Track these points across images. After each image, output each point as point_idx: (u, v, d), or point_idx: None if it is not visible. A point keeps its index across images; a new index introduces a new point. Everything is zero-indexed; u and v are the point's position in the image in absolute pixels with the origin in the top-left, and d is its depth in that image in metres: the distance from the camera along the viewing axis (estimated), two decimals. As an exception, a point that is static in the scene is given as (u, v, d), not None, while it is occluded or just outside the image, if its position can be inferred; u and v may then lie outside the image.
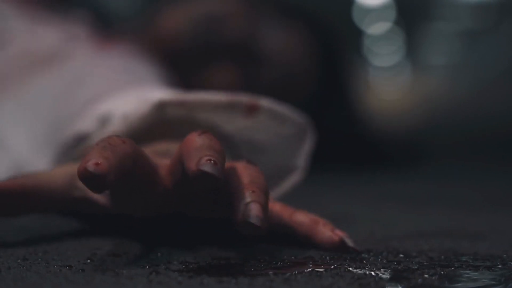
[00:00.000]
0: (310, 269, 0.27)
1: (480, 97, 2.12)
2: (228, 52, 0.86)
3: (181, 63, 0.84)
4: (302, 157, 0.42)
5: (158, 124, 0.39)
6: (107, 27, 0.83)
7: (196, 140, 0.28)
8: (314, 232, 0.33)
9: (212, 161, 0.26)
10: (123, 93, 0.45)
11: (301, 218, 0.33)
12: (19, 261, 0.28)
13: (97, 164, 0.25)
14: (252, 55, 0.87)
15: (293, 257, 0.30)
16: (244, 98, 0.40)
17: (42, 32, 0.69)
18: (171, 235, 0.35)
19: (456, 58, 2.37)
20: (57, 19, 0.74)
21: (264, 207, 0.28)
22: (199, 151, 0.27)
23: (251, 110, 0.40)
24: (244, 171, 0.30)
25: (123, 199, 0.31)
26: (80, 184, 0.33)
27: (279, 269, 0.27)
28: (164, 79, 0.65)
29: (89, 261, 0.28)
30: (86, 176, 0.25)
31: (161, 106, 0.39)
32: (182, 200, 0.31)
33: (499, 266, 0.29)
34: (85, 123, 0.42)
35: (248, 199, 0.28)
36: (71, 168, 0.34)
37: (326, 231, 0.33)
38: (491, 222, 0.48)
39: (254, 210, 0.27)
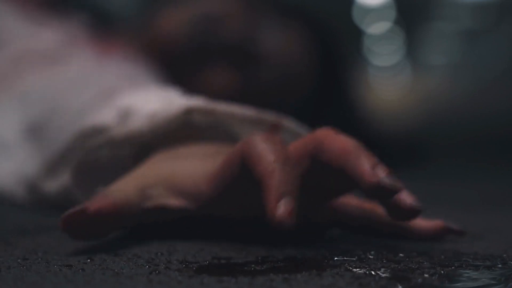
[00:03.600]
0: (310, 268, 0.27)
1: (480, 97, 2.12)
2: (226, 53, 0.86)
3: (179, 64, 0.84)
4: None
5: (182, 127, 0.40)
6: (106, 27, 0.83)
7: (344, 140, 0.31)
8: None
9: None
10: (140, 91, 0.45)
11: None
12: (19, 261, 0.28)
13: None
14: (250, 56, 0.87)
15: (293, 257, 0.30)
16: (270, 116, 0.41)
17: (40, 33, 0.69)
18: (171, 235, 0.35)
19: (456, 58, 2.37)
20: (56, 19, 0.74)
21: None
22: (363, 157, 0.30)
23: (274, 128, 0.41)
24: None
25: (236, 200, 0.32)
26: (153, 192, 0.34)
27: (279, 269, 0.27)
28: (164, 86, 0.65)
29: (89, 261, 0.28)
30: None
31: (189, 111, 0.40)
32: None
33: (499, 266, 0.29)
34: (104, 115, 0.42)
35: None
36: (138, 179, 0.35)
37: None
38: (490, 221, 0.48)
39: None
